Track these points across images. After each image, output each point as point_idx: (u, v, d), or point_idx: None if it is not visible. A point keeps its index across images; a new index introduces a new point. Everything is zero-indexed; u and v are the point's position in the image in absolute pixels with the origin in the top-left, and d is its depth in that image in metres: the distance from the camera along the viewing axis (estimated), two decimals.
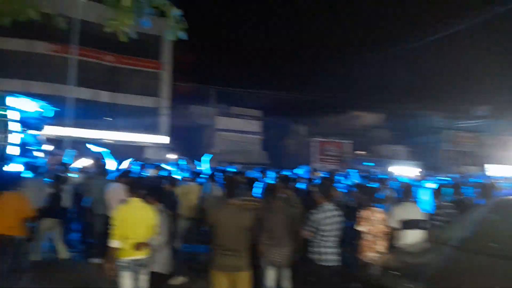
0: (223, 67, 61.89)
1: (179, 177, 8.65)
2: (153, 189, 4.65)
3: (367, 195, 5.17)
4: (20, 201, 5.22)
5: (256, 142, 34.36)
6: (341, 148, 34.37)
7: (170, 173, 9.62)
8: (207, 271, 4.17)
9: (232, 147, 31.47)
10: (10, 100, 7.94)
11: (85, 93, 25.24)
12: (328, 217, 4.41)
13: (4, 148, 7.89)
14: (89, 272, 6.02)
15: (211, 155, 12.45)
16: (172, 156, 28.52)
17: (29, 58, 24.80)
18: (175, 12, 3.58)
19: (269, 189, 5.01)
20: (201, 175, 8.23)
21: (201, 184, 7.75)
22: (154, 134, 28.27)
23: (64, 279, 5.93)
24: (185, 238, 7.51)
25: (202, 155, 12.81)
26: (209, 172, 8.85)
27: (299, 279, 5.13)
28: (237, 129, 32.55)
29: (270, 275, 4.71)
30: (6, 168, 7.58)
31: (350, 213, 5.25)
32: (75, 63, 14.77)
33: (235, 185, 4.31)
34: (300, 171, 11.20)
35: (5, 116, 7.84)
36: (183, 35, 3.80)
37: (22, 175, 6.37)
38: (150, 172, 9.08)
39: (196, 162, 12.32)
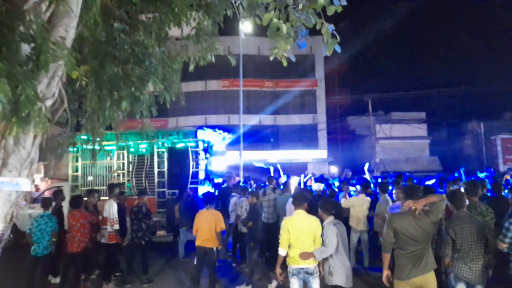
0: (379, 72, 59.37)
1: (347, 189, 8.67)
2: (325, 202, 4.82)
3: None
4: (215, 216, 6.16)
5: (423, 147, 31.29)
6: None
7: (332, 187, 9.77)
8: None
9: (395, 155, 29.53)
10: (199, 133, 9.62)
11: (252, 119, 28.25)
12: None
13: (197, 173, 9.52)
14: None
15: (369, 164, 12.05)
16: (334, 170, 28.73)
17: (205, 96, 29.58)
18: (329, 27, 3.71)
19: (454, 197, 4.52)
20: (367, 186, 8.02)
21: (368, 195, 7.58)
22: (314, 149, 29.09)
23: None
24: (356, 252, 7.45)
25: (363, 166, 12.51)
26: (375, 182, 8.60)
27: None
28: (400, 136, 30.39)
29: None
30: (200, 189, 9.11)
31: None
32: (242, 94, 16.73)
33: (416, 192, 4.06)
34: (482, 175, 9.72)
35: (197, 146, 9.50)
36: (338, 48, 3.88)
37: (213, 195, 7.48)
38: (315, 187, 9.36)
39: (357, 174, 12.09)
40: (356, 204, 7.30)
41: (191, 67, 5.72)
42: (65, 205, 7.36)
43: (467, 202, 4.93)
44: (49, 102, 4.00)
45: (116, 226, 6.67)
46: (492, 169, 16.24)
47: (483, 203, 5.15)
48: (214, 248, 6.14)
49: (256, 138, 27.74)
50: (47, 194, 9.88)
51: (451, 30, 67.03)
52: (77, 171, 9.84)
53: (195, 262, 6.54)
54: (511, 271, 3.84)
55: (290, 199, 7.04)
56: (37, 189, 13.69)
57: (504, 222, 4.25)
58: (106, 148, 9.18)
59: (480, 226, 4.23)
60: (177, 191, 9.01)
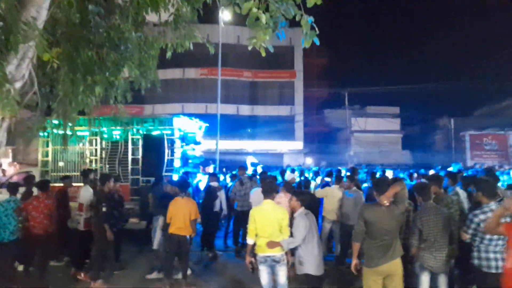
0: (356, 67, 60.23)
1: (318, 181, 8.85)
2: (296, 193, 4.90)
3: None
4: (190, 205, 6.16)
5: (396, 141, 32.19)
6: (504, 140, 28.88)
7: (306, 178, 9.95)
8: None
9: (369, 148, 30.26)
10: (176, 121, 9.50)
11: (229, 109, 28.13)
12: (490, 218, 3.90)
13: (172, 161, 9.43)
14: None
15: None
16: (309, 161, 29.16)
17: (183, 84, 29.18)
18: (309, 19, 3.73)
19: (419, 189, 4.71)
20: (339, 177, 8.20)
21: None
22: (291, 141, 29.37)
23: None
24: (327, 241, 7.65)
25: (338, 158, 12.77)
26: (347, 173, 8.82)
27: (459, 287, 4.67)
28: (374, 129, 31.11)
29: (424, 281, 4.41)
30: (174, 177, 9.04)
31: None
32: (220, 83, 16.59)
33: (385, 184, 4.20)
34: (455, 168, 10.15)
35: (173, 134, 9.39)
36: (316, 40, 3.92)
37: (188, 182, 7.44)
38: (288, 177, 9.47)
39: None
40: (330, 195, 7.46)
41: (169, 54, 5.63)
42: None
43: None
44: (18, 84, 3.88)
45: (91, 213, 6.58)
46: (460, 164, 16.94)
47: (449, 196, 5.37)
48: (188, 237, 6.15)
49: (233, 127, 27.67)
50: (15, 179, 9.55)
51: (426, 28, 68.65)
52: (47, 156, 9.54)
53: (154, 247, 6.70)
54: (473, 260, 4.03)
55: (256, 189, 7.15)
56: (4, 174, 13.21)
57: (468, 214, 4.46)
58: (78, 133, 8.92)
59: (445, 218, 4.42)
60: (151, 178, 8.90)
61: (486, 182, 4.36)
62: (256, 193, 6.82)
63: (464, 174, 8.46)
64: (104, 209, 6.26)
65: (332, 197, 7.39)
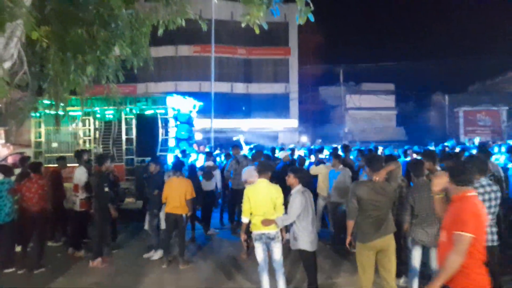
0: (351, 44, 59.56)
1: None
2: (293, 170, 4.92)
3: None
4: (185, 184, 6.19)
5: (391, 118, 32.27)
6: (497, 116, 29.07)
7: (301, 156, 9.98)
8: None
9: (364, 125, 30.33)
10: (169, 100, 9.41)
11: (223, 87, 27.86)
12: (481, 193, 3.98)
13: (166, 140, 9.40)
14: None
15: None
16: (304, 139, 29.22)
17: (176, 61, 28.72)
18: None
19: (412, 166, 4.77)
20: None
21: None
22: (285, 118, 29.31)
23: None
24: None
25: (334, 136, 12.81)
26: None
27: None
28: (369, 107, 31.09)
29: (416, 255, 4.53)
30: (169, 156, 9.04)
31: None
32: (214, 60, 16.34)
33: (379, 162, 4.24)
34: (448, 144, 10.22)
35: (166, 113, 9.32)
36: (311, 16, 3.84)
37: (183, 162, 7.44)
38: (281, 155, 9.49)
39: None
40: (324, 172, 7.52)
41: (160, 31, 5.50)
42: None
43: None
44: (7, 64, 3.79)
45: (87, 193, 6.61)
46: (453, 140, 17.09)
47: (444, 171, 5.38)
48: (184, 215, 6.21)
49: (227, 106, 27.52)
50: (9, 160, 9.50)
51: (421, 5, 67.63)
52: (40, 137, 9.46)
53: (145, 227, 6.74)
54: None
55: (248, 167, 7.12)
56: None
57: None
58: (70, 114, 8.82)
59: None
60: (146, 158, 8.89)
61: (475, 158, 4.41)
62: (247, 171, 6.83)
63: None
64: (106, 189, 6.28)
65: (326, 174, 7.45)
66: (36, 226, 6.08)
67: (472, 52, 43.61)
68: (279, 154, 9.77)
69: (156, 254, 6.52)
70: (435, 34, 62.55)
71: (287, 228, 4.84)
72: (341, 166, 7.12)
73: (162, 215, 6.56)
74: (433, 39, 63.57)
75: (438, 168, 5.21)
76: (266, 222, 4.52)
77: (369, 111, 31.04)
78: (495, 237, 4.06)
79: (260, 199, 4.58)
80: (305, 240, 4.60)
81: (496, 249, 4.09)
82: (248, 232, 4.81)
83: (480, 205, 2.99)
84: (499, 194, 4.11)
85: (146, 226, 6.81)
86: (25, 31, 3.82)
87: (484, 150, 7.28)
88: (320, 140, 15.67)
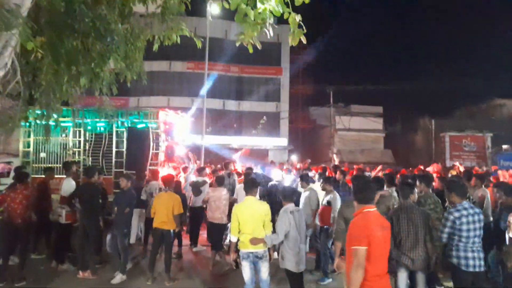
0: (342, 65, 60.71)
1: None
2: (285, 191, 4.96)
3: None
4: (173, 199, 6.14)
5: (378, 140, 32.67)
6: (482, 142, 29.59)
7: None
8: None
9: (352, 146, 30.63)
10: (161, 115, 9.43)
11: (215, 103, 28.00)
12: (465, 215, 4.05)
13: (157, 155, 9.37)
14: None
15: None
16: (293, 158, 29.31)
17: (169, 76, 28.87)
18: (297, 18, 3.76)
19: (399, 188, 4.82)
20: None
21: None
22: (275, 137, 29.47)
23: None
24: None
25: (322, 155, 12.91)
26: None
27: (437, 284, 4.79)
28: (357, 128, 31.48)
29: (401, 278, 4.48)
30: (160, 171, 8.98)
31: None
32: (206, 77, 16.48)
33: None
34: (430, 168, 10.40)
35: (157, 128, 9.33)
36: (303, 38, 3.96)
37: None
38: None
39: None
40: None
41: (155, 46, 5.58)
42: None
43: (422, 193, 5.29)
44: (0, 73, 3.79)
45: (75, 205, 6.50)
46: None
47: (434, 195, 5.40)
48: (171, 231, 6.14)
49: (219, 122, 27.64)
50: None
51: (410, 29, 69.65)
52: (28, 147, 9.34)
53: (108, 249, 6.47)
54: (452, 259, 4.14)
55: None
56: None
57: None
58: (61, 124, 8.76)
59: (423, 217, 4.45)
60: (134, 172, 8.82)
61: (457, 183, 4.49)
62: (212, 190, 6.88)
63: None
64: (100, 201, 6.18)
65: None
66: (19, 238, 5.94)
67: (459, 77, 44.87)
68: (273, 173, 9.79)
69: (119, 277, 6.07)
70: (424, 58, 64.26)
71: (275, 247, 4.82)
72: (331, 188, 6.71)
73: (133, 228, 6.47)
74: (422, 63, 65.30)
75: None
76: (255, 241, 4.49)
77: (357, 132, 31.41)
78: (482, 262, 4.05)
79: (249, 216, 4.55)
80: (291, 260, 4.58)
81: (483, 274, 4.12)
82: (237, 251, 4.76)
83: (376, 218, 3.07)
84: (482, 217, 4.17)
85: (109, 249, 6.48)
86: (19, 41, 3.84)
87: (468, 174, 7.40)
88: (309, 160, 15.71)
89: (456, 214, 4.10)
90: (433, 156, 29.06)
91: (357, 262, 2.89)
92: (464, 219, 4.06)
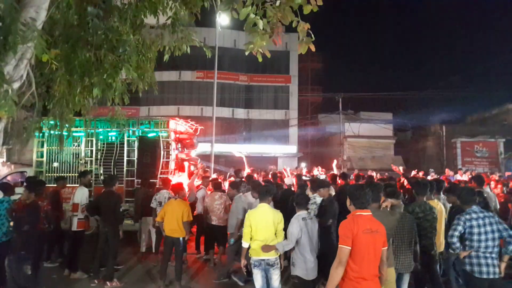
0: (351, 73, 60.67)
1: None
2: (299, 196, 4.97)
3: None
4: (183, 207, 6.18)
5: (389, 146, 32.40)
6: (494, 148, 29.04)
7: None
8: None
9: (362, 153, 30.45)
10: (171, 123, 9.53)
11: (225, 112, 28.21)
12: (474, 219, 4.03)
13: (167, 163, 9.44)
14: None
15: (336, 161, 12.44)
16: (303, 165, 29.24)
17: (179, 86, 29.22)
18: (306, 26, 3.80)
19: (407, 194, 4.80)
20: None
21: None
22: (285, 144, 29.49)
23: None
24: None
25: (332, 162, 12.90)
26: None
27: None
28: (367, 135, 31.31)
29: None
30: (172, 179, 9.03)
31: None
32: (216, 86, 16.64)
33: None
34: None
35: (168, 137, 9.41)
36: (312, 47, 3.99)
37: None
38: (287, 181, 9.52)
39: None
40: None
41: (166, 57, 5.68)
42: None
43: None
44: (16, 85, 3.89)
45: (86, 213, 6.59)
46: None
47: (427, 203, 5.35)
48: (181, 238, 6.16)
49: (228, 130, 27.81)
50: (9, 179, 9.49)
51: (421, 36, 69.37)
52: (42, 156, 9.49)
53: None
54: (465, 266, 4.07)
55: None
56: None
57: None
58: (74, 134, 8.90)
59: (409, 223, 4.44)
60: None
61: (464, 189, 4.47)
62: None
63: None
64: (121, 209, 6.25)
65: None
66: (31, 247, 6.00)
67: (471, 83, 44.44)
68: (286, 179, 9.76)
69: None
70: (435, 65, 63.86)
71: (285, 255, 4.80)
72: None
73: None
74: (432, 69, 64.88)
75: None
76: (267, 248, 4.48)
77: (367, 139, 31.22)
78: (497, 269, 3.98)
79: (262, 224, 4.54)
80: (301, 267, 4.56)
81: (499, 281, 4.04)
82: (248, 258, 4.76)
83: (364, 221, 3.15)
84: (495, 220, 4.08)
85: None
86: (34, 53, 3.95)
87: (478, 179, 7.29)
88: (303, 167, 15.65)
89: (467, 217, 4.08)
90: (445, 163, 28.67)
91: (339, 260, 3.07)
92: (474, 222, 4.01)
